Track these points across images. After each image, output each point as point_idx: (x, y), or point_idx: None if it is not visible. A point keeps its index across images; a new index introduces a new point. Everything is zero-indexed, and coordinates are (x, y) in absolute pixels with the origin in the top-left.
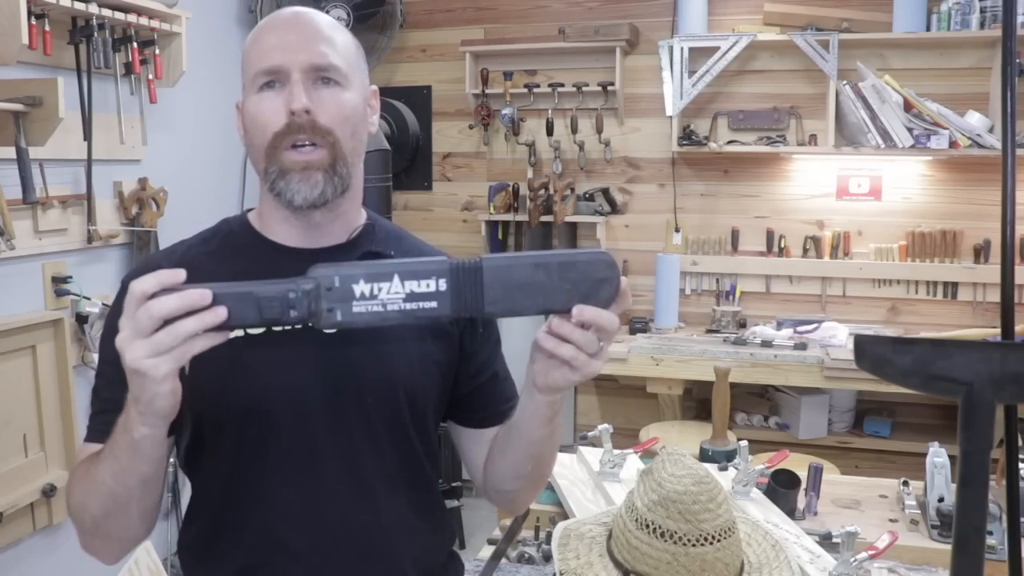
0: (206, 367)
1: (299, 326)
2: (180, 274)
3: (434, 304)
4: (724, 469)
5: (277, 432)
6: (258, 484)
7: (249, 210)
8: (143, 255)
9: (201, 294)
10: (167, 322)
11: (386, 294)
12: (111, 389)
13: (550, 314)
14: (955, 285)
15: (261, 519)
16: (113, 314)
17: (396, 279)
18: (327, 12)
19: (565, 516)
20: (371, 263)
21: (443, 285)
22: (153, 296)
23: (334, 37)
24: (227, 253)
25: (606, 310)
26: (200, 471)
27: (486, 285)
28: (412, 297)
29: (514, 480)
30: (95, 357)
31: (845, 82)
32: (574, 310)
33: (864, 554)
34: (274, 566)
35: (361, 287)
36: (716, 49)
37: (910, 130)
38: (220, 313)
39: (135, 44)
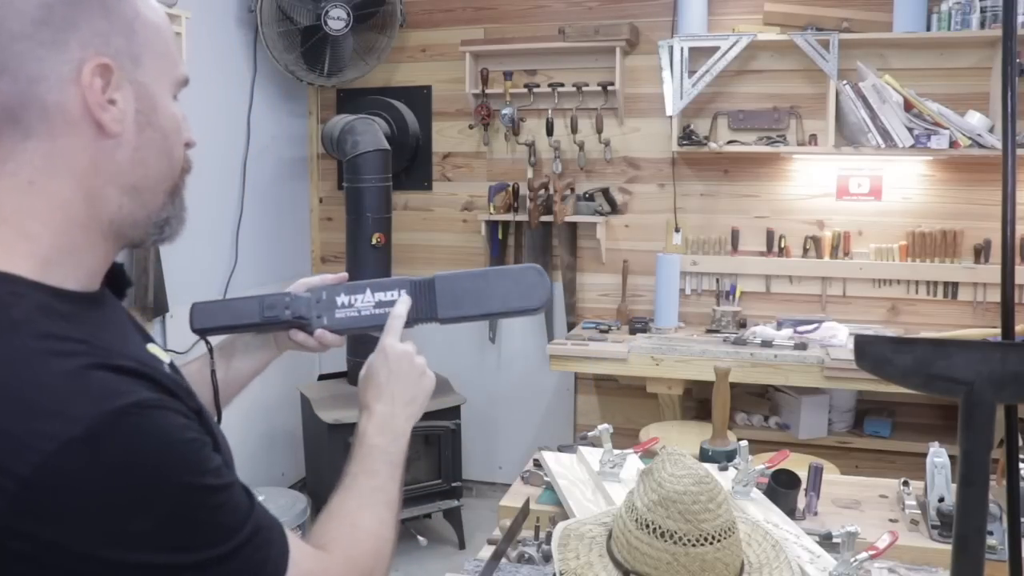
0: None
1: (292, 327)
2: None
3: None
4: (724, 469)
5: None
6: None
7: None
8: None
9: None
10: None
11: (360, 303)
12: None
13: (491, 318)
14: (955, 285)
15: None
16: (182, 442)
17: (368, 291)
18: (327, 12)
19: (565, 516)
20: (352, 283)
21: (403, 294)
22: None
23: None
24: (90, 319)
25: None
26: None
27: (438, 294)
28: (380, 304)
29: None
30: None
31: (845, 82)
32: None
33: (864, 554)
34: None
35: (342, 298)
36: (716, 49)
37: (910, 130)
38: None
39: None
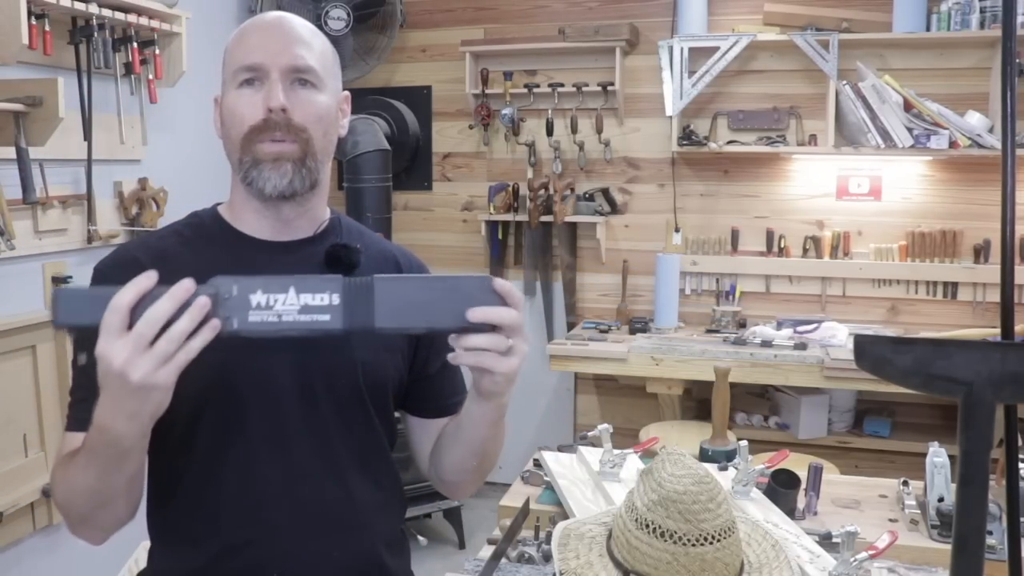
0: None
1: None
2: (152, 276)
3: (327, 317)
4: (724, 469)
5: (252, 415)
6: (239, 466)
7: (218, 204)
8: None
9: (185, 287)
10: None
11: (281, 305)
12: (89, 376)
13: (437, 332)
14: (955, 285)
15: (244, 499)
16: None
17: (292, 291)
18: (327, 12)
19: (565, 516)
20: (270, 277)
21: (335, 299)
22: (136, 307)
23: (313, 42)
24: (200, 244)
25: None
26: (169, 456)
27: (377, 302)
28: (306, 310)
29: (458, 473)
30: None
31: (845, 82)
32: (450, 339)
33: (864, 554)
34: (258, 543)
35: (258, 297)
36: (716, 49)
37: (910, 130)
38: (204, 304)
39: (135, 44)
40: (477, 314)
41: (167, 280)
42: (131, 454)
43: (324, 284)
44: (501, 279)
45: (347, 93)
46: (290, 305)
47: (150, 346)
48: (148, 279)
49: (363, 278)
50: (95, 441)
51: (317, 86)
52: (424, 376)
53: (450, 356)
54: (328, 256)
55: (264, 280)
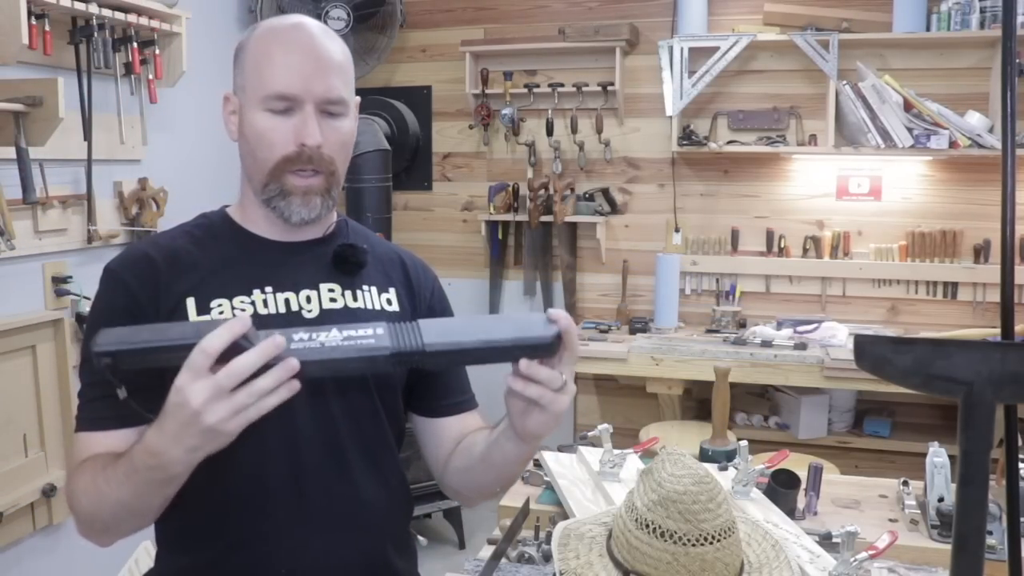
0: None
1: None
2: (246, 321)
3: (372, 341)
4: (724, 469)
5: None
6: (248, 463)
7: (226, 206)
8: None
9: (276, 343)
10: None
11: (324, 337)
12: (105, 377)
13: (493, 355)
14: (955, 285)
15: (252, 496)
16: (99, 301)
17: (334, 330)
18: (327, 12)
19: (565, 516)
20: (312, 327)
21: (380, 330)
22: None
23: (343, 64)
24: (211, 243)
25: (551, 354)
26: None
27: (423, 330)
28: (350, 339)
29: (478, 492)
30: None
31: (845, 82)
32: (522, 364)
33: (864, 554)
34: (266, 540)
35: (300, 334)
36: (716, 49)
37: (910, 130)
38: (292, 365)
39: (135, 44)
40: (564, 325)
41: (181, 277)
42: (176, 480)
43: (368, 324)
44: (556, 310)
45: (359, 99)
46: (332, 337)
47: (230, 394)
48: (242, 324)
49: (408, 322)
50: (141, 462)
51: (344, 114)
52: (427, 373)
53: (510, 382)
54: (336, 256)
55: (306, 328)
